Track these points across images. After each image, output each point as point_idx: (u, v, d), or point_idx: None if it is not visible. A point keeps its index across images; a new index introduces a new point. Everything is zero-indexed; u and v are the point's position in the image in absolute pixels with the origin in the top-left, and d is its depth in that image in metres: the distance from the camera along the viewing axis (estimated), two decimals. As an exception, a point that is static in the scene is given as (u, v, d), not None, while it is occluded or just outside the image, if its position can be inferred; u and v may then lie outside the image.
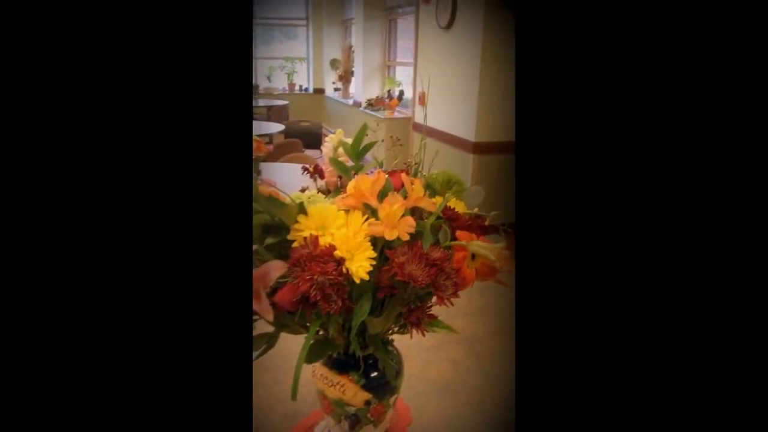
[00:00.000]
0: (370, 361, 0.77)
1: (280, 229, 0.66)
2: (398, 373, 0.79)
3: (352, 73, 7.97)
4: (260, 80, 8.62)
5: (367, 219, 0.64)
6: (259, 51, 8.66)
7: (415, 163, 0.79)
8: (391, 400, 0.80)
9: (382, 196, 0.66)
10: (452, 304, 0.62)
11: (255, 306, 0.59)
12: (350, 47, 8.04)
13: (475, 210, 0.74)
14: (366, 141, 0.80)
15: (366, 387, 0.76)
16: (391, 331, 0.74)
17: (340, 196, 0.68)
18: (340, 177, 0.80)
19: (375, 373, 0.77)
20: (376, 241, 0.64)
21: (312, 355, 0.70)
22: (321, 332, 0.70)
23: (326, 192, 0.81)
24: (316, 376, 0.79)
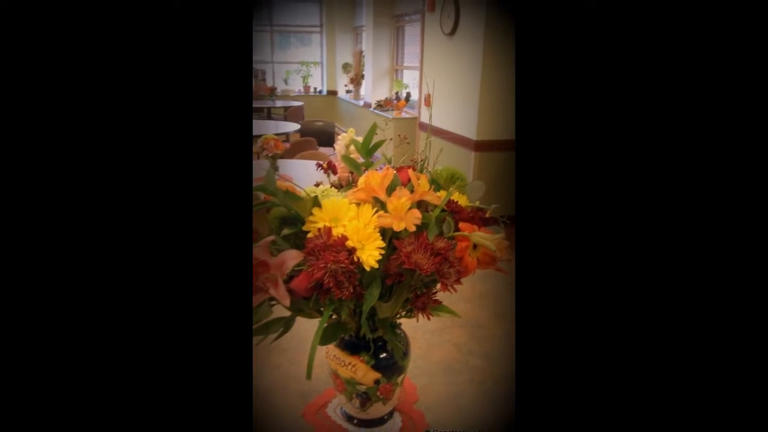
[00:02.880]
0: (380, 343, 0.77)
1: (296, 220, 0.66)
2: (405, 354, 0.79)
3: (362, 77, 7.95)
4: (278, 83, 8.61)
5: (376, 211, 0.64)
6: (277, 56, 8.66)
7: (421, 160, 0.79)
8: (399, 379, 0.80)
9: (390, 190, 0.66)
10: (455, 290, 0.62)
11: (273, 292, 0.59)
12: (361, 52, 8.02)
13: (477, 203, 0.74)
14: (375, 139, 0.80)
15: (376, 367, 0.76)
16: (398, 316, 0.74)
17: (351, 191, 0.68)
18: (352, 172, 0.80)
19: (384, 354, 0.77)
20: (384, 232, 0.64)
21: (325, 337, 0.70)
22: (334, 316, 0.70)
23: (339, 186, 0.81)
24: (330, 357, 0.79)
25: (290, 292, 0.60)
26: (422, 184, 0.67)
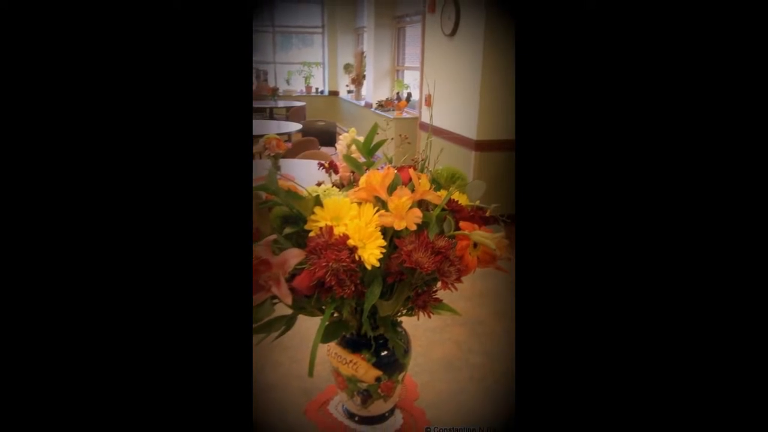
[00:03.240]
0: (381, 341, 0.77)
1: (298, 219, 0.66)
2: (406, 352, 0.79)
3: (364, 77, 7.95)
4: (280, 83, 8.61)
5: (377, 211, 0.64)
6: (279, 57, 8.67)
7: (422, 160, 0.79)
8: (400, 376, 0.80)
9: (391, 189, 0.66)
10: (456, 288, 0.62)
11: (275, 290, 0.59)
12: (362, 53, 8.02)
13: (477, 202, 0.74)
14: (377, 139, 0.80)
15: (377, 364, 0.76)
16: (399, 314, 0.74)
17: (353, 190, 0.68)
18: (353, 172, 0.80)
19: (385, 352, 0.77)
20: (386, 231, 0.64)
21: (327, 335, 0.70)
22: (335, 314, 0.70)
23: (340, 186, 0.81)
24: (331, 354, 0.79)
25: (292, 290, 0.60)
26: (423, 183, 0.67)
